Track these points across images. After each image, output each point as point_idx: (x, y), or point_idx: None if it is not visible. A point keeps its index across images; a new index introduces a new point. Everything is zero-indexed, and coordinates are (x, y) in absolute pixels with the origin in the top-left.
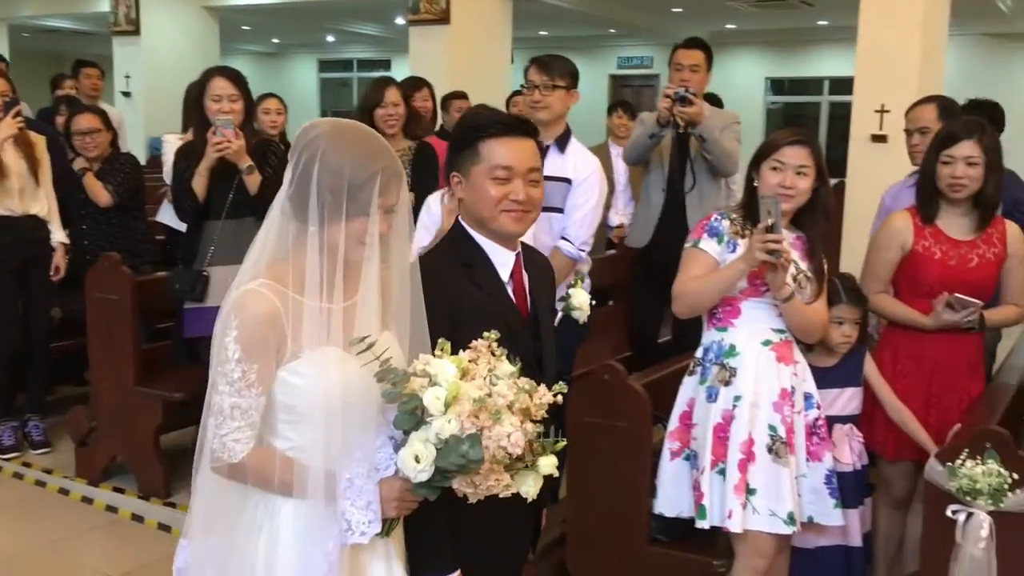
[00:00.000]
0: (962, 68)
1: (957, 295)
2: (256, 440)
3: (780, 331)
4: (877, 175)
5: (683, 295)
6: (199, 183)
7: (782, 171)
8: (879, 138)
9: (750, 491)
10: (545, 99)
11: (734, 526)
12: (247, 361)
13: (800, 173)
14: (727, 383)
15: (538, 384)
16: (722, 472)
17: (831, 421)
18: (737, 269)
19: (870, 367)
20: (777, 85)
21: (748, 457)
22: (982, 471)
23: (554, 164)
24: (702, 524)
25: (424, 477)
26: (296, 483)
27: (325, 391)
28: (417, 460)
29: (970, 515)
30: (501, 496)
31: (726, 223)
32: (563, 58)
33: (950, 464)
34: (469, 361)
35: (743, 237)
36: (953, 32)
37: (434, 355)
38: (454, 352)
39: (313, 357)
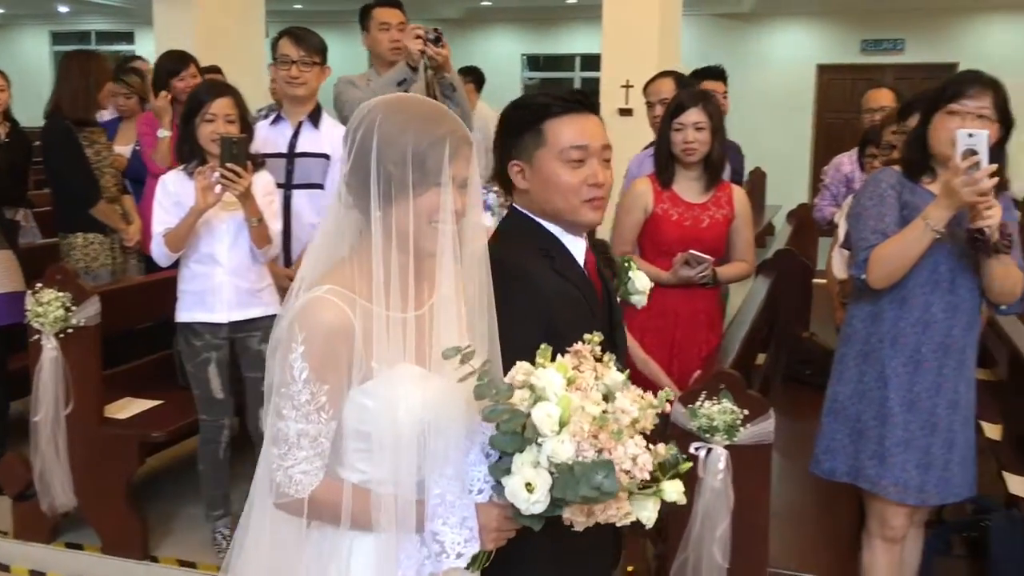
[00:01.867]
0: (697, 46)
1: (692, 252)
2: (325, 471)
3: None
4: (625, 146)
5: None
6: None
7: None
8: (625, 111)
9: None
10: (303, 75)
11: None
12: (317, 381)
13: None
14: None
15: None
16: None
17: None
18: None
19: None
20: (533, 61)
21: None
22: (718, 410)
23: (311, 140)
24: None
25: (539, 509)
26: (375, 515)
27: (405, 416)
28: (529, 489)
29: (709, 450)
30: (619, 524)
31: (492, 196)
32: (314, 32)
33: (691, 406)
34: (573, 368)
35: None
36: (687, 12)
37: (536, 363)
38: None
39: (388, 377)
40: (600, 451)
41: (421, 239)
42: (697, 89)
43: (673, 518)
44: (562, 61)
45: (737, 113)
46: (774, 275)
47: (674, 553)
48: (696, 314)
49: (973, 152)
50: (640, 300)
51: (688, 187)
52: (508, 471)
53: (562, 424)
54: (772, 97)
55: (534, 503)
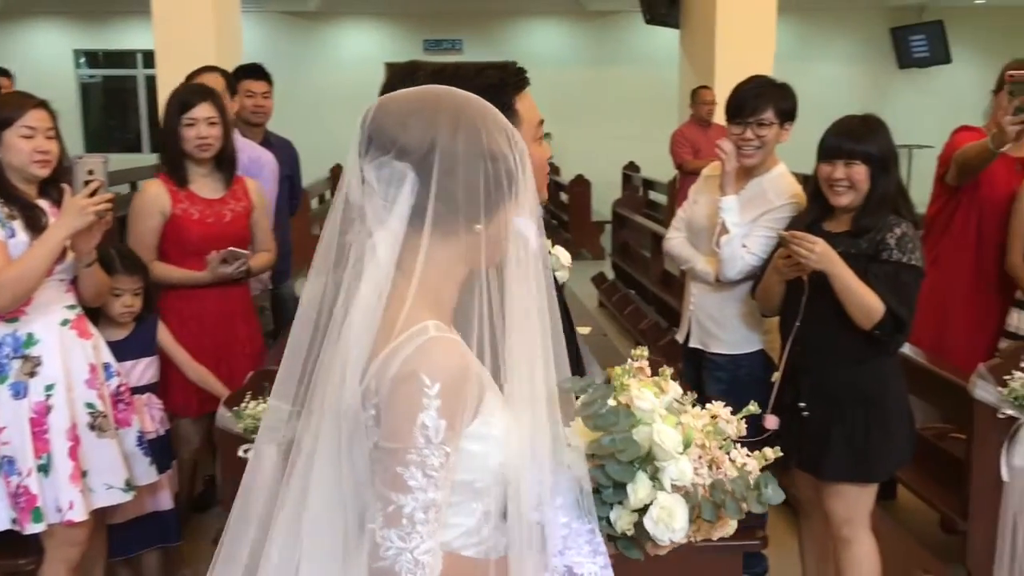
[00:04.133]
0: (263, 44)
1: (232, 248)
2: None
3: (72, 307)
4: None
5: (4, 287)
6: None
7: (33, 137)
8: None
9: (84, 474)
10: None
11: (77, 515)
12: (452, 440)
13: (49, 137)
14: (33, 374)
15: None
16: (45, 468)
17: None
18: (59, 238)
19: (163, 334)
20: (91, 58)
21: (75, 442)
22: (263, 410)
23: None
24: (38, 528)
25: (680, 537)
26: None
27: (516, 449)
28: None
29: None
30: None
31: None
32: None
33: (236, 408)
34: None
35: (15, 219)
36: (248, 9)
37: (619, 384)
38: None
39: (486, 412)
40: (710, 464)
41: (492, 259)
42: (203, 86)
43: None
44: (124, 58)
45: (315, 110)
46: None
47: None
48: (232, 312)
49: None
50: (563, 276)
51: (204, 184)
52: (614, 505)
53: (686, 444)
54: (344, 94)
55: (679, 531)
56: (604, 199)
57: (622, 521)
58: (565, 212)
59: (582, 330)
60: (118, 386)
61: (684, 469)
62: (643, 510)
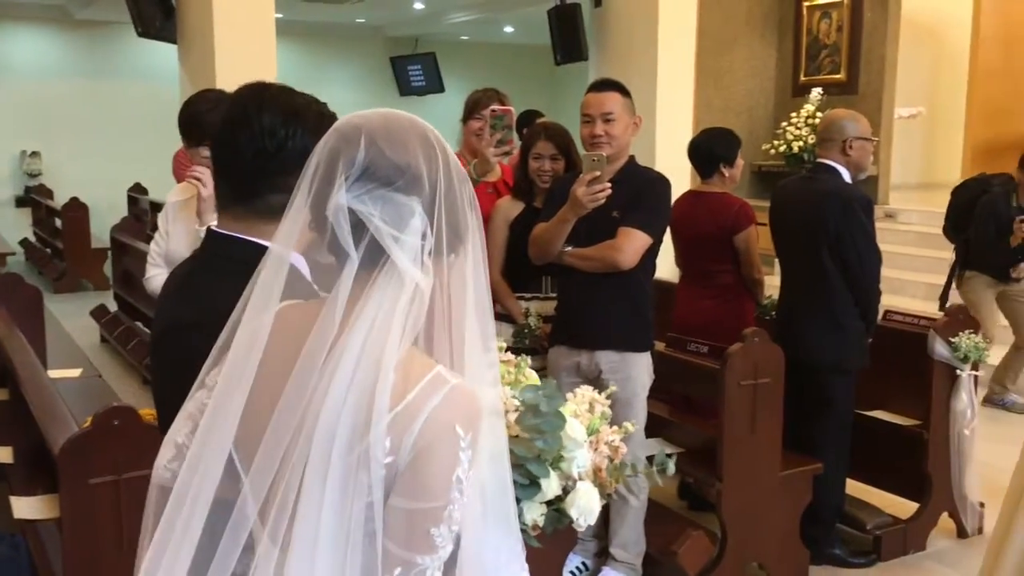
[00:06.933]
0: None
1: None
2: None
3: None
4: None
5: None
6: None
7: None
8: None
9: None
10: None
11: None
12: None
13: None
14: None
15: None
16: None
17: None
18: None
19: None
20: None
21: None
22: None
23: None
24: None
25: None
26: None
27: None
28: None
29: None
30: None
31: None
32: None
33: None
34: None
35: None
36: None
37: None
38: None
39: None
40: (596, 444)
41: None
42: None
43: None
44: None
45: None
46: None
47: None
48: None
49: None
50: None
51: None
52: (523, 501)
53: (590, 433)
54: None
55: (596, 512)
56: (107, 224)
57: (533, 514)
58: (59, 239)
59: (70, 373)
60: None
61: (587, 456)
62: (550, 502)
